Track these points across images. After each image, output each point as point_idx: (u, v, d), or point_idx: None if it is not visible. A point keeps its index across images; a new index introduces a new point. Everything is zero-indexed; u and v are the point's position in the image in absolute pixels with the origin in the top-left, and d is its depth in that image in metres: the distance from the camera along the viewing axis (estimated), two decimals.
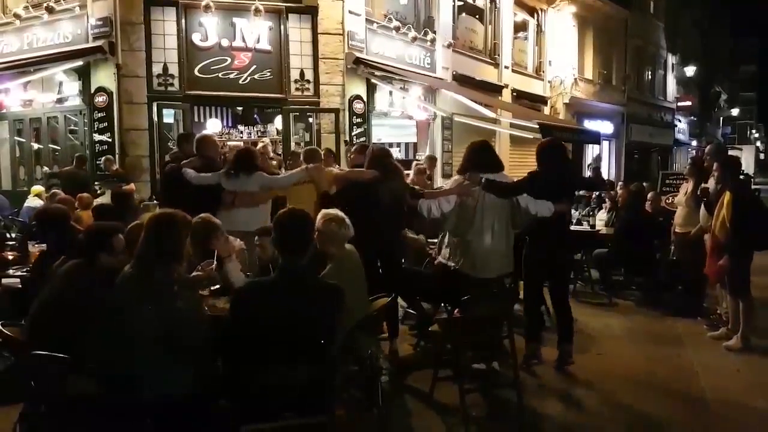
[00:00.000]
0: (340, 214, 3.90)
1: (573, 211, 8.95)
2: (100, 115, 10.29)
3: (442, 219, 4.78)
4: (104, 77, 10.33)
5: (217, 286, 3.86)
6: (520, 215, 4.72)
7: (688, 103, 31.59)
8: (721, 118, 48.45)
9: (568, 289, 5.12)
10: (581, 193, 9.49)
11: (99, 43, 10.15)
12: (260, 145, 9.98)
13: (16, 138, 11.92)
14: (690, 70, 30.01)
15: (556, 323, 5.13)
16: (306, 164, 5.57)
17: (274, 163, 9.23)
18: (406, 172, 5.90)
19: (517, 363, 4.38)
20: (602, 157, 21.27)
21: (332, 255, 3.79)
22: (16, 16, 10.91)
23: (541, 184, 4.73)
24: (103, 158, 9.88)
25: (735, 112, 51.69)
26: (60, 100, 11.17)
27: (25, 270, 4.81)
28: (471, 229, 4.70)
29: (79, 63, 10.41)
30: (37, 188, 9.46)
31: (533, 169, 4.97)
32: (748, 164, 43.71)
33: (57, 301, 3.11)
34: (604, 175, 14.80)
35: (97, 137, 10.30)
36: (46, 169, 11.34)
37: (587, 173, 14.12)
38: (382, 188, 4.90)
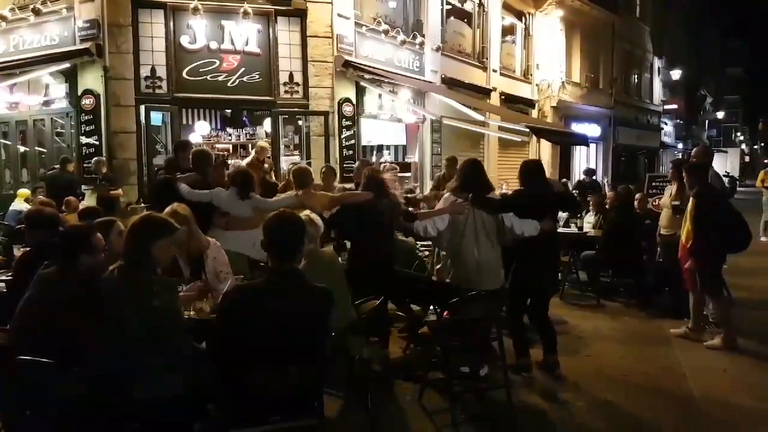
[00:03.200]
0: (309, 213, 4.06)
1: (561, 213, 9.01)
2: (87, 117, 10.20)
3: (438, 237, 4.89)
4: (91, 80, 10.25)
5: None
6: (506, 233, 4.80)
7: (675, 106, 31.91)
8: (707, 121, 48.91)
9: (548, 307, 5.20)
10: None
11: (86, 45, 10.07)
12: (259, 144, 9.97)
13: (2, 141, 11.80)
14: (676, 74, 30.29)
15: (540, 337, 5.16)
16: (296, 189, 5.61)
17: (266, 166, 9.22)
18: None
19: (506, 365, 4.40)
20: (592, 163, 21.40)
21: (306, 251, 3.81)
22: (2, 17, 10.81)
23: (524, 201, 4.83)
24: (94, 160, 9.78)
25: (720, 114, 52.23)
26: (47, 103, 11.07)
27: (9, 274, 4.76)
28: (462, 244, 4.77)
29: (66, 65, 10.32)
30: (24, 191, 9.37)
31: (518, 188, 5.09)
32: (733, 167, 44.10)
33: (42, 304, 3.09)
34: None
35: (84, 140, 10.22)
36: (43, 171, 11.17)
37: (581, 177, 14.23)
38: (376, 209, 4.97)
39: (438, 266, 5.34)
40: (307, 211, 4.04)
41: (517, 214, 4.74)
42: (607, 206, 8.65)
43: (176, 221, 3.94)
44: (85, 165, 10.08)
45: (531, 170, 5.11)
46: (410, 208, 5.83)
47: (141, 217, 3.13)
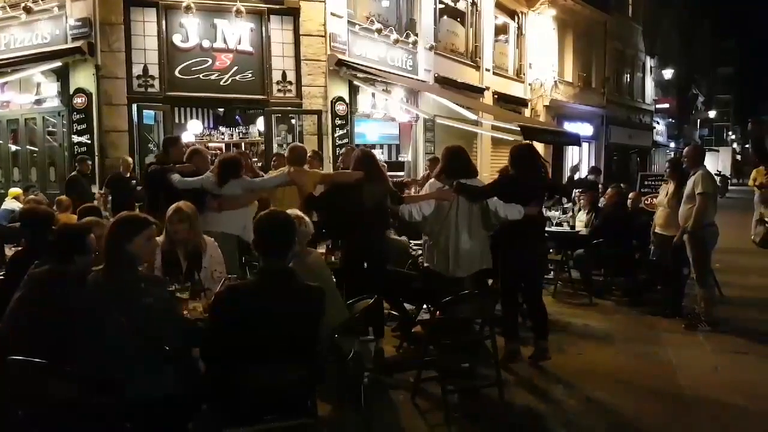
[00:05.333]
0: (299, 212, 4.04)
1: (554, 212, 9.04)
2: (79, 116, 10.17)
3: (423, 222, 4.87)
4: (83, 78, 10.22)
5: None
6: (491, 217, 4.81)
7: (666, 105, 32.05)
8: (699, 120, 49.14)
9: (541, 289, 5.25)
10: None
11: (78, 43, 10.03)
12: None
13: None
14: (668, 73, 30.43)
15: (531, 320, 5.19)
16: (289, 166, 5.56)
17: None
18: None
19: (499, 362, 4.41)
20: (581, 162, 21.37)
21: (294, 252, 3.81)
22: None
23: (510, 188, 4.84)
24: (78, 158, 9.67)
25: (712, 114, 52.48)
26: (38, 102, 11.04)
27: (1, 274, 4.72)
28: (444, 230, 4.78)
29: (58, 64, 10.29)
30: (14, 190, 9.31)
31: (503, 169, 5.08)
32: (725, 166, 44.36)
33: (33, 305, 3.07)
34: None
35: (76, 139, 10.18)
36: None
37: (586, 175, 14.21)
38: (366, 190, 4.94)
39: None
40: (297, 211, 4.03)
41: (501, 200, 4.77)
42: (600, 204, 8.69)
43: (178, 217, 3.97)
44: (76, 165, 10.05)
45: (522, 156, 5.12)
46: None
47: (115, 218, 3.15)
